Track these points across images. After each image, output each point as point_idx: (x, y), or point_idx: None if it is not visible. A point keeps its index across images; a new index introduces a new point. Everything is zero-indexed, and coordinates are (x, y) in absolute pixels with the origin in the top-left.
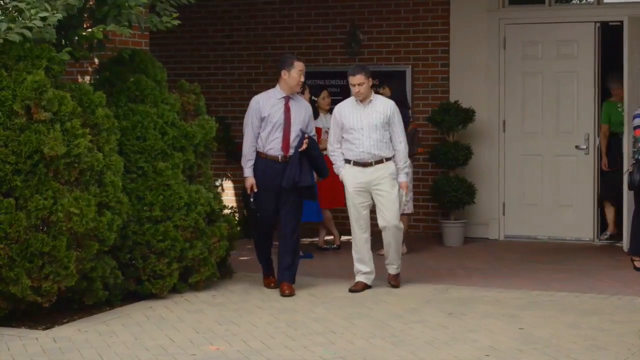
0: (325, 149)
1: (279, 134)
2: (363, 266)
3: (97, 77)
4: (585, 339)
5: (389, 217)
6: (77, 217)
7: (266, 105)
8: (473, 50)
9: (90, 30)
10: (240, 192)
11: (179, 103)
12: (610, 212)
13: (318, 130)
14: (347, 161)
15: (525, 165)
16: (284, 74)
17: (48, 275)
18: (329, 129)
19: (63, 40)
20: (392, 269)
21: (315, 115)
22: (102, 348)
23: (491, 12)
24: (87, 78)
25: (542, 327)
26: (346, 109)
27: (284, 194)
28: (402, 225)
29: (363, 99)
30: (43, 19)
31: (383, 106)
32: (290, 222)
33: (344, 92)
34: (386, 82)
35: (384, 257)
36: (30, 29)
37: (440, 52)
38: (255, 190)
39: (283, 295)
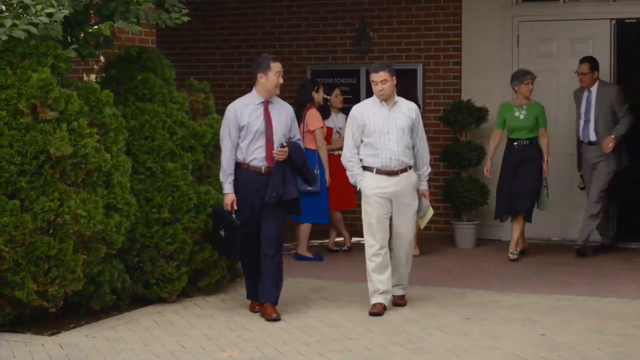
0: (339, 149)
1: (260, 143)
2: (381, 284)
3: (104, 75)
4: (610, 345)
5: (407, 232)
6: (84, 220)
7: (244, 113)
8: (485, 48)
9: (97, 26)
10: (213, 210)
11: (187, 102)
12: (517, 229)
13: (329, 130)
14: (367, 168)
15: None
16: (261, 77)
17: (54, 280)
18: (340, 128)
19: (69, 37)
20: (400, 290)
21: (327, 114)
22: (110, 355)
23: (504, 9)
24: (93, 76)
25: (564, 333)
26: (369, 110)
27: (268, 208)
28: (414, 242)
29: (387, 99)
30: (49, 15)
31: (408, 109)
32: (274, 239)
33: (354, 91)
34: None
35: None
36: (35, 25)
37: (452, 50)
38: (236, 208)
39: (269, 319)
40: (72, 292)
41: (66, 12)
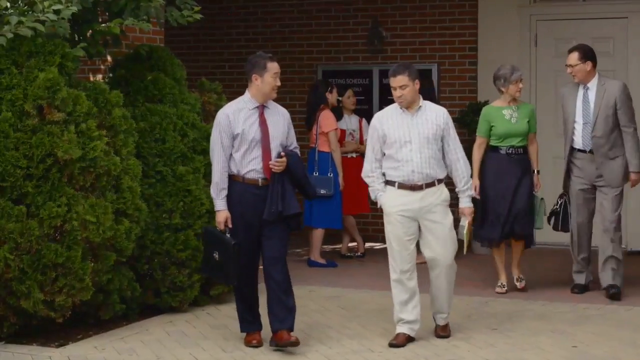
0: (353, 152)
1: (257, 153)
2: (406, 314)
3: (111, 75)
4: None
5: (442, 253)
6: (93, 226)
7: (238, 120)
8: (502, 48)
9: (106, 24)
10: (204, 232)
11: (199, 103)
12: (516, 257)
13: (342, 132)
14: (389, 183)
15: (558, 168)
16: (256, 78)
17: (62, 289)
18: (353, 130)
19: (76, 36)
20: (441, 319)
21: (340, 116)
22: None
23: (522, 7)
24: (100, 77)
25: (597, 345)
26: (389, 118)
27: (268, 225)
28: (455, 265)
29: (408, 106)
30: (56, 12)
31: (435, 114)
32: (280, 259)
33: (366, 92)
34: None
35: (430, 304)
36: (42, 22)
37: (468, 50)
38: (230, 225)
39: (287, 344)
40: (80, 301)
41: (74, 9)
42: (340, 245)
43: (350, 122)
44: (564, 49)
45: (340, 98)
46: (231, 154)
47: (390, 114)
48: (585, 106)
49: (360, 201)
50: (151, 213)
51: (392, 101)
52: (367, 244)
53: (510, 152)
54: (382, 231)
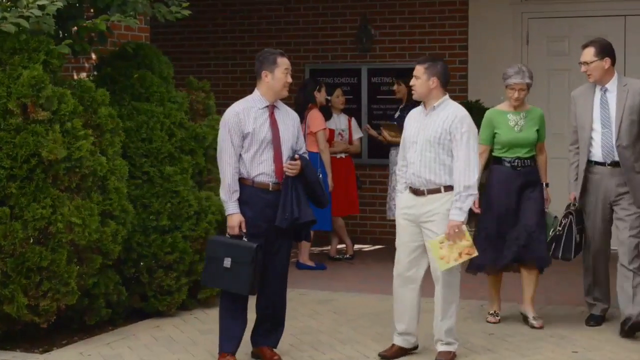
0: (342, 152)
1: (268, 155)
2: (401, 324)
3: (96, 73)
4: None
5: (435, 267)
6: (79, 228)
7: (248, 119)
8: (493, 46)
9: (91, 20)
10: (211, 243)
11: (187, 102)
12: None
13: (331, 132)
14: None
15: (551, 169)
16: (266, 75)
17: (47, 293)
18: (342, 130)
19: (61, 32)
20: (440, 345)
21: (328, 115)
22: None
23: (513, 5)
24: (84, 75)
25: (598, 351)
26: (412, 115)
27: (275, 235)
28: (454, 283)
29: (425, 101)
30: (41, 7)
31: (447, 116)
32: (286, 272)
33: (355, 91)
34: (402, 79)
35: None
36: (26, 18)
37: (458, 49)
38: (245, 230)
39: None
40: (65, 306)
41: (60, 4)
42: (328, 247)
43: (339, 121)
44: (556, 47)
45: (329, 97)
46: (240, 155)
47: (416, 110)
48: (604, 111)
49: (349, 202)
50: (138, 215)
51: (381, 101)
52: (356, 246)
53: (515, 163)
54: (371, 233)
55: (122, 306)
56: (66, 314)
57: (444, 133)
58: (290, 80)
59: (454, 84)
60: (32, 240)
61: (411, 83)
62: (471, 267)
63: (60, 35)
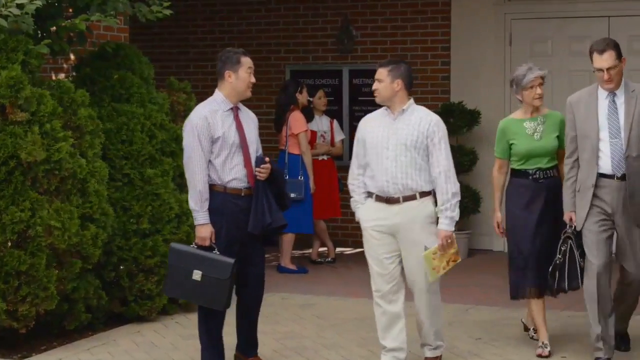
0: (324, 154)
1: (239, 159)
2: (388, 340)
3: (75, 73)
4: None
5: (418, 276)
6: (59, 232)
7: (216, 122)
8: (476, 47)
9: (71, 20)
10: (173, 251)
11: (168, 103)
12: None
13: (313, 133)
14: (369, 195)
15: None
16: (229, 75)
17: (25, 298)
18: (324, 132)
19: (40, 32)
20: (429, 351)
21: (310, 117)
22: None
23: (496, 5)
24: (62, 75)
25: (586, 356)
26: (373, 120)
27: (248, 241)
28: (437, 291)
29: (390, 106)
30: (20, 6)
31: (420, 119)
32: (262, 283)
33: (336, 93)
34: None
35: (418, 333)
36: (5, 17)
37: (441, 50)
38: (214, 240)
39: None
40: (44, 311)
41: (39, 3)
42: (310, 251)
43: (321, 123)
44: (539, 48)
45: (310, 99)
46: (210, 161)
47: (375, 116)
48: (613, 119)
49: (331, 205)
50: (118, 218)
51: (362, 102)
52: (338, 249)
53: (537, 175)
54: (353, 236)
55: (102, 311)
56: (45, 319)
57: (420, 137)
58: (253, 80)
59: (436, 86)
60: (10, 244)
61: (374, 87)
62: (515, 293)
63: (39, 35)
